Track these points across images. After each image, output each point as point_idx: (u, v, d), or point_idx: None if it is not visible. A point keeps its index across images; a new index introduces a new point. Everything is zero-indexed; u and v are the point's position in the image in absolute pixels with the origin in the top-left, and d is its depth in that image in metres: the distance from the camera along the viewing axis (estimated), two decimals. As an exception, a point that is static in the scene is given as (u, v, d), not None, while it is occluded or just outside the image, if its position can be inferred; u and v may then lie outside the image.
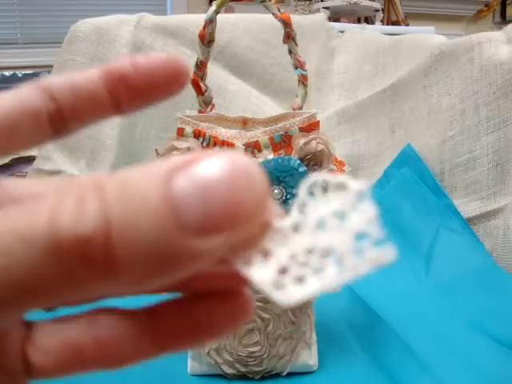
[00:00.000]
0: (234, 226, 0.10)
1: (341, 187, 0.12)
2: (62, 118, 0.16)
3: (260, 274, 0.11)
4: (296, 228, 0.12)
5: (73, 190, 0.10)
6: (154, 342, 0.14)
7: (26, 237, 0.10)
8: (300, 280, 0.11)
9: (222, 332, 0.14)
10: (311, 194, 0.12)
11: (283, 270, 0.11)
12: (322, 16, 1.17)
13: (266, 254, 0.11)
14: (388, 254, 0.11)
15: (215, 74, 0.94)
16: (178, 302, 0.14)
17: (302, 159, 0.44)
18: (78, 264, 0.10)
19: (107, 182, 0.10)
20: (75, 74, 0.16)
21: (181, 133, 0.47)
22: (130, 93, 0.16)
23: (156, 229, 0.10)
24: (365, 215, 0.11)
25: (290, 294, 0.11)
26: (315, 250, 0.11)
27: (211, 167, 0.10)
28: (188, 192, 0.10)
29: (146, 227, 0.10)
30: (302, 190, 0.12)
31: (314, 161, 0.45)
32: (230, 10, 1.75)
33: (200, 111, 0.53)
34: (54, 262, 0.10)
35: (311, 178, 0.12)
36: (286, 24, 0.50)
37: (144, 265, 0.10)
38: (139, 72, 0.16)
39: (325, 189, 0.12)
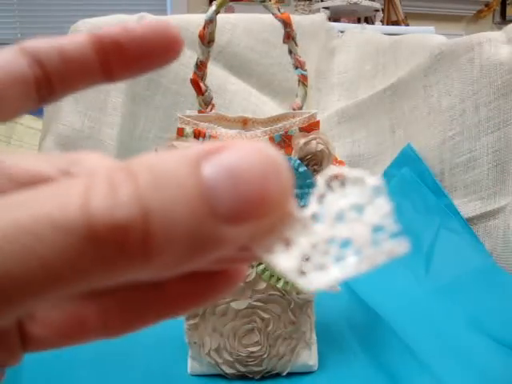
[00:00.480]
0: (262, 215, 0.10)
1: (358, 182, 0.12)
2: (49, 85, 0.15)
3: (284, 261, 0.12)
4: (315, 218, 0.12)
5: (100, 174, 0.10)
6: (155, 307, 0.14)
7: (59, 223, 0.09)
8: (322, 267, 0.12)
9: (216, 298, 0.14)
10: (329, 186, 0.12)
11: (305, 258, 0.12)
12: (322, 16, 1.17)
13: (287, 243, 0.12)
14: (402, 246, 0.12)
15: (215, 74, 0.94)
16: None
17: (302, 159, 0.44)
18: (113, 250, 0.10)
19: (137, 168, 0.10)
20: (62, 38, 0.15)
21: (181, 133, 0.47)
22: (123, 59, 0.15)
23: (190, 216, 0.10)
24: (381, 210, 0.12)
25: (314, 280, 0.11)
26: (335, 241, 0.12)
27: (241, 156, 0.10)
28: (218, 179, 0.10)
29: (181, 215, 0.10)
30: (321, 182, 0.12)
31: (314, 161, 0.45)
32: (230, 10, 1.75)
33: (200, 111, 0.53)
34: (89, 248, 0.09)
35: (329, 171, 0.12)
36: (286, 24, 0.50)
37: (177, 252, 0.10)
38: (133, 37, 0.15)
39: (342, 182, 0.12)
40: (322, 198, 0.12)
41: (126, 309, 0.14)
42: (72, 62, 0.15)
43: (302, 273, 0.12)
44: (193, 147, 0.10)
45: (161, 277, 0.11)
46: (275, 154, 0.11)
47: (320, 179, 0.12)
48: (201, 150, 0.10)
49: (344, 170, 0.12)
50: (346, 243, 0.12)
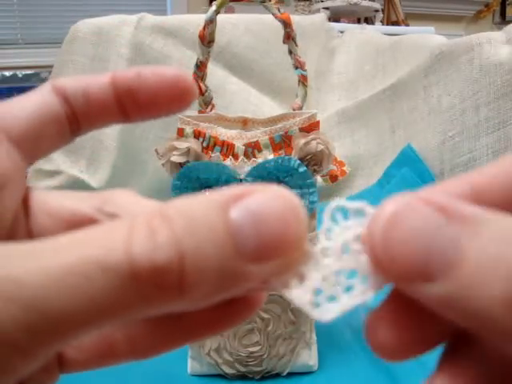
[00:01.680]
0: (282, 254, 0.11)
1: (359, 212, 0.13)
2: (76, 122, 0.16)
3: (299, 295, 0.13)
4: (324, 253, 0.13)
5: (140, 219, 0.11)
6: (180, 333, 0.15)
7: (106, 266, 0.11)
8: (333, 298, 0.13)
9: (237, 323, 0.15)
10: (334, 219, 0.13)
11: (318, 291, 0.13)
12: (322, 16, 1.17)
13: (301, 278, 0.13)
14: None
15: (215, 74, 0.94)
16: None
17: (302, 159, 0.44)
18: (152, 289, 0.11)
19: (172, 213, 0.11)
20: (88, 79, 0.16)
21: (181, 133, 0.47)
22: (135, 104, 0.16)
23: (220, 257, 0.11)
24: None
25: (327, 311, 0.13)
26: (343, 272, 0.13)
27: (264, 201, 0.11)
28: (244, 224, 0.11)
29: (212, 256, 0.11)
30: (326, 216, 0.13)
31: (314, 161, 0.45)
32: (230, 11, 1.75)
33: (200, 111, 0.53)
34: (132, 287, 0.11)
35: (331, 205, 0.13)
36: (286, 24, 0.50)
37: (208, 288, 0.11)
38: (145, 85, 0.16)
39: (345, 214, 0.13)
40: (328, 232, 0.13)
41: (152, 334, 0.15)
42: (94, 103, 0.16)
43: (316, 305, 0.13)
44: (220, 191, 0.12)
45: (194, 308, 0.12)
46: (294, 199, 0.12)
47: (325, 214, 0.13)
48: (228, 195, 0.12)
49: (344, 202, 0.13)
50: (352, 273, 0.13)
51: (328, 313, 0.13)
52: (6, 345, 0.10)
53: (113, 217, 0.15)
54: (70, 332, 0.11)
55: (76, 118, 0.16)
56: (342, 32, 1.19)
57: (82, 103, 0.16)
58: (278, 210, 0.11)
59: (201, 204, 0.11)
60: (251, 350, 0.48)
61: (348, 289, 0.13)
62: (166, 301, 0.11)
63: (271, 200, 0.11)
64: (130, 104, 0.16)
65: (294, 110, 0.52)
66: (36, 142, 0.15)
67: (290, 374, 0.49)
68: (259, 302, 0.16)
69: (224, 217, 0.11)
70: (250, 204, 0.11)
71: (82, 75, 0.16)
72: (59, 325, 0.11)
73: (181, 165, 0.45)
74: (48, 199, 0.16)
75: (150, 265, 0.11)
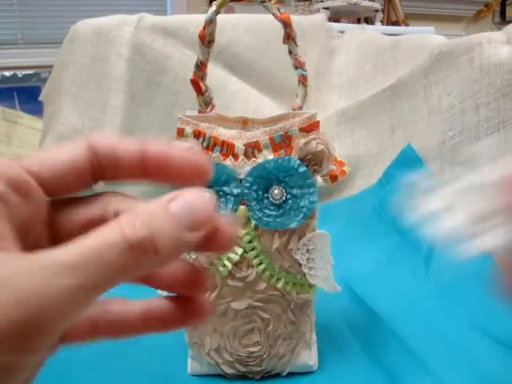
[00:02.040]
0: (203, 226, 0.19)
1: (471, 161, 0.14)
2: (102, 175, 0.21)
3: (440, 233, 0.14)
4: (460, 195, 0.15)
5: (124, 218, 0.18)
6: (143, 326, 0.22)
7: (113, 244, 0.17)
8: (472, 238, 0.14)
9: (188, 323, 0.23)
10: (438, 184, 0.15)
11: (459, 231, 0.14)
12: (322, 16, 1.17)
13: (451, 211, 0.14)
14: None
15: (215, 74, 0.94)
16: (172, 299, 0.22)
17: (302, 159, 0.44)
18: (141, 254, 0.17)
19: (141, 213, 0.18)
20: (119, 144, 0.20)
21: (181, 133, 0.47)
22: (159, 173, 0.21)
23: (173, 232, 0.18)
24: None
25: (468, 249, 0.14)
26: (480, 216, 0.14)
27: (191, 196, 0.19)
28: (181, 211, 0.18)
29: (169, 232, 0.18)
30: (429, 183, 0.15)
31: (314, 161, 0.45)
32: (230, 11, 1.75)
33: (200, 111, 0.53)
34: (130, 255, 0.17)
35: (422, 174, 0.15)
36: (286, 24, 0.50)
37: (170, 248, 0.18)
38: (171, 161, 0.20)
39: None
40: (441, 188, 0.15)
41: (122, 322, 0.22)
42: (122, 165, 0.20)
43: (457, 243, 0.14)
44: (163, 196, 0.18)
45: (165, 264, 0.19)
46: (206, 195, 0.19)
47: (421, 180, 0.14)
48: (167, 197, 0.18)
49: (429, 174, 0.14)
50: (492, 214, 0.14)
51: (469, 250, 0.14)
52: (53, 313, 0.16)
53: (116, 214, 0.20)
54: (100, 288, 0.17)
55: (102, 173, 0.20)
56: (342, 32, 1.19)
57: (110, 163, 0.20)
58: (199, 201, 0.19)
59: (155, 204, 0.18)
60: (251, 349, 0.48)
61: (485, 231, 0.14)
62: (149, 261, 0.17)
63: (195, 195, 0.19)
64: (154, 172, 0.21)
65: (294, 109, 0.52)
66: (60, 188, 0.20)
67: (290, 374, 0.49)
68: (207, 310, 0.22)
69: (167, 210, 0.18)
70: (183, 199, 0.18)
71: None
72: (90, 289, 0.16)
73: (181, 165, 0.45)
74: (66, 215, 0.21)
75: (136, 240, 0.17)
